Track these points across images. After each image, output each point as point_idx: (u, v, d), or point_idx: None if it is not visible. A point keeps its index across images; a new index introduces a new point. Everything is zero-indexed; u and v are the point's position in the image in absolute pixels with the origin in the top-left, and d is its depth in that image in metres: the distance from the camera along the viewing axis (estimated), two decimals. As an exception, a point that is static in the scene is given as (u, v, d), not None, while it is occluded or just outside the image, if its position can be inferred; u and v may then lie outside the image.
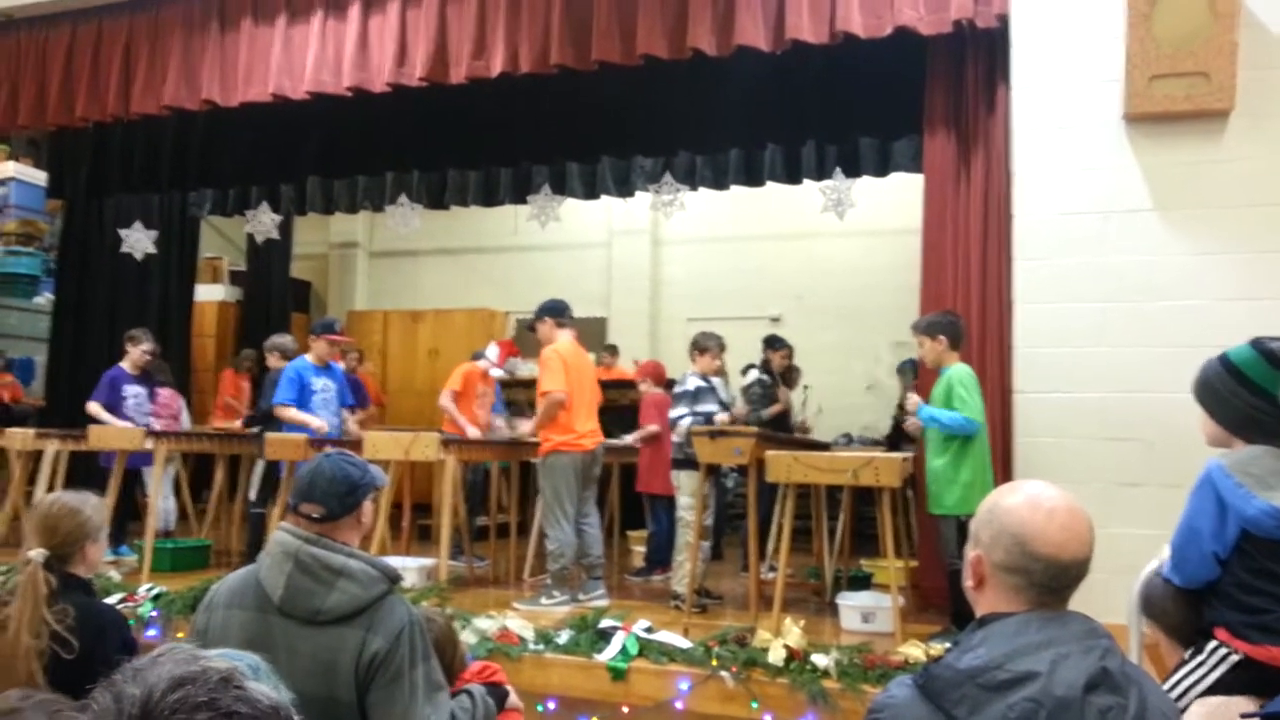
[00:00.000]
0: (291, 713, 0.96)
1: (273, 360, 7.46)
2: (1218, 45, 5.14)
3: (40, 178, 10.68)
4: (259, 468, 7.36)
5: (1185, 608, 2.75)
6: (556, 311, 6.26)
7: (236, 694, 0.91)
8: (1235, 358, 2.77)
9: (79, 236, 9.74)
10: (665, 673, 4.63)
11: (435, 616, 3.07)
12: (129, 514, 7.88)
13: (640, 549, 7.70)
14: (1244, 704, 2.48)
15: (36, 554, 2.81)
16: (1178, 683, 2.64)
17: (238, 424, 8.52)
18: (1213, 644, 2.65)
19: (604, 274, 12.41)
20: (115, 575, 6.39)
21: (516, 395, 9.16)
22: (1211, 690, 2.59)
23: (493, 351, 7.90)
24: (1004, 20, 5.73)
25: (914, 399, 5.40)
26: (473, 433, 7.28)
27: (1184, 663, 2.69)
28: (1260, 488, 2.59)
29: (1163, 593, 2.80)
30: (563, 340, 6.17)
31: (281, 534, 2.52)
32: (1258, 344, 2.75)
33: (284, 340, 7.59)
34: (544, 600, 5.88)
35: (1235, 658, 2.60)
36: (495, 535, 7.72)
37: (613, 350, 10.71)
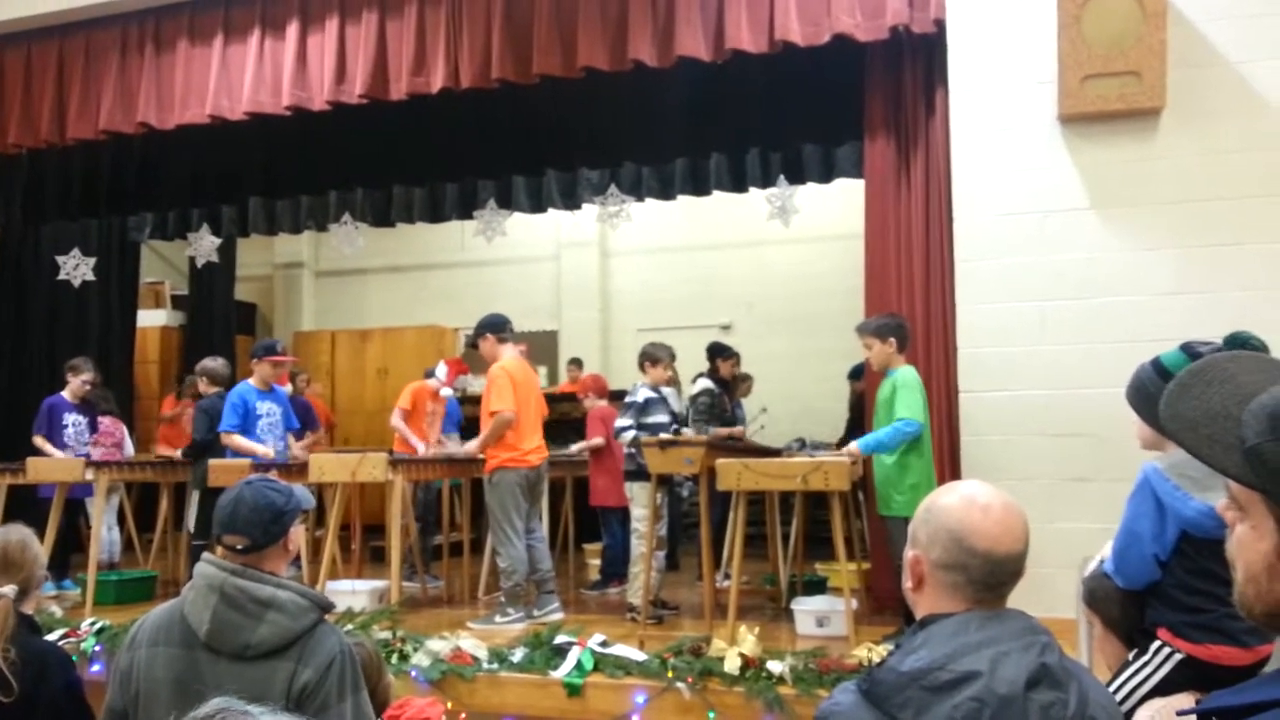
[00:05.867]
0: None
1: (202, 386, 7.21)
2: (1148, 44, 5.22)
3: (-27, 206, 10.43)
4: (194, 499, 7.08)
5: (1128, 606, 2.79)
6: (496, 327, 6.21)
7: None
8: (1167, 361, 2.83)
9: (14, 264, 9.54)
10: (621, 686, 4.60)
11: (364, 642, 3.00)
12: (71, 546, 7.70)
13: (595, 562, 7.66)
14: (1188, 701, 2.51)
15: (9, 590, 2.75)
16: (1124, 682, 2.67)
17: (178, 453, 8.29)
18: (1156, 644, 2.70)
19: (553, 287, 12.37)
20: (57, 610, 6.22)
21: (472, 411, 9.08)
22: (1158, 688, 2.64)
23: (441, 370, 7.83)
24: (940, 25, 5.79)
25: (853, 450, 5.25)
26: (423, 450, 7.20)
27: (1129, 663, 2.73)
28: (1197, 489, 2.64)
29: (1107, 590, 2.84)
30: (509, 357, 6.13)
31: (205, 566, 2.43)
32: (1188, 348, 2.81)
33: (213, 365, 7.22)
34: (498, 619, 5.82)
35: (1179, 656, 2.65)
36: (448, 554, 7.64)
37: (578, 363, 10.65)
